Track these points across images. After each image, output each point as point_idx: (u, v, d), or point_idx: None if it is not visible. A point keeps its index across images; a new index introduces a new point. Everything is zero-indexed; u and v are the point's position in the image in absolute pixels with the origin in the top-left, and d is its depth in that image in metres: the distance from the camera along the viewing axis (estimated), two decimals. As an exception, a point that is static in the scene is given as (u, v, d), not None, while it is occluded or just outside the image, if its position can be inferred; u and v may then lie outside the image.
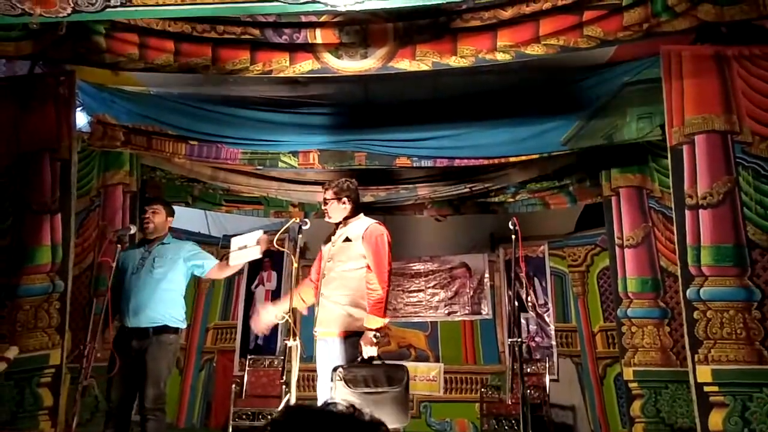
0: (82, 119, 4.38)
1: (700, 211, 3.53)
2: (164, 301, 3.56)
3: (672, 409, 4.37)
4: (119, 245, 3.52)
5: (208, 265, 3.76)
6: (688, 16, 3.44)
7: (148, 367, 3.43)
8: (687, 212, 3.57)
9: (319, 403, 3.12)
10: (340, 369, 3.12)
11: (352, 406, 0.95)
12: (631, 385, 4.49)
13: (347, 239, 3.42)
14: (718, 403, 3.33)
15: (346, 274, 3.37)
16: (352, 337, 3.28)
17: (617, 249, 4.72)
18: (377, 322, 3.24)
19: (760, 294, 3.38)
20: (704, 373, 3.38)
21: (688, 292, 3.50)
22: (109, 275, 3.47)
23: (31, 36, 3.73)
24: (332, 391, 3.09)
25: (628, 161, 4.76)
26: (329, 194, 3.51)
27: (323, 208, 3.57)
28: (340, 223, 3.51)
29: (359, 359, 3.20)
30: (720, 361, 3.37)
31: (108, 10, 3.22)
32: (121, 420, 3.43)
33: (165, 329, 3.51)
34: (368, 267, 3.35)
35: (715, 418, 3.31)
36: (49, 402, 3.63)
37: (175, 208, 5.34)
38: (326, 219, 3.54)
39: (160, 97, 4.65)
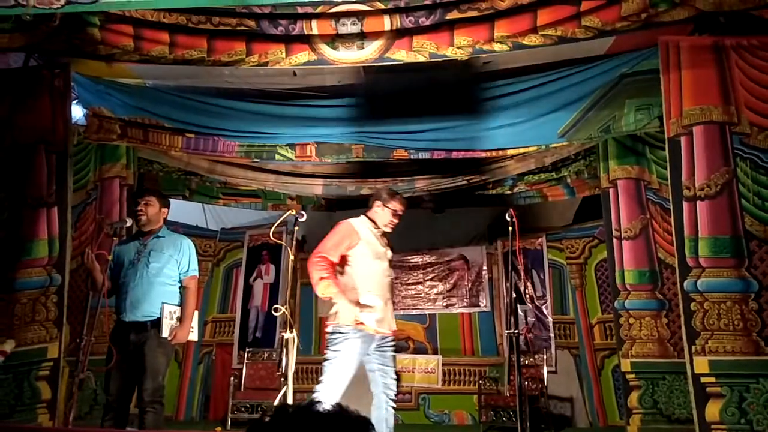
0: (78, 112, 4.36)
1: (698, 202, 3.52)
2: (161, 294, 3.55)
3: (669, 400, 4.37)
4: (115, 238, 3.50)
5: (185, 276, 3.69)
6: (687, 6, 3.42)
7: (146, 360, 3.43)
8: (685, 204, 3.56)
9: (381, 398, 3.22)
10: None
11: (338, 404, 0.94)
12: (628, 376, 4.50)
13: (392, 248, 3.67)
14: (715, 393, 3.34)
15: None
16: None
17: (615, 241, 4.71)
18: None
19: (758, 285, 3.38)
20: (701, 364, 3.38)
21: (685, 283, 3.50)
22: (104, 268, 3.46)
23: (25, 28, 3.70)
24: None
25: (626, 153, 4.75)
26: (402, 208, 3.64)
27: (394, 220, 3.63)
28: (380, 230, 3.64)
29: None
30: (717, 352, 3.37)
31: (102, 1, 3.20)
32: (119, 413, 3.43)
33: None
34: None
35: (712, 409, 3.32)
36: (47, 395, 3.64)
37: (173, 201, 5.30)
38: (387, 228, 3.62)
39: (156, 90, 4.63)
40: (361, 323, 3.29)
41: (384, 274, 3.53)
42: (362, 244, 3.45)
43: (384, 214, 3.58)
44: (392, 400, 3.41)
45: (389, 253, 3.63)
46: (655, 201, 4.58)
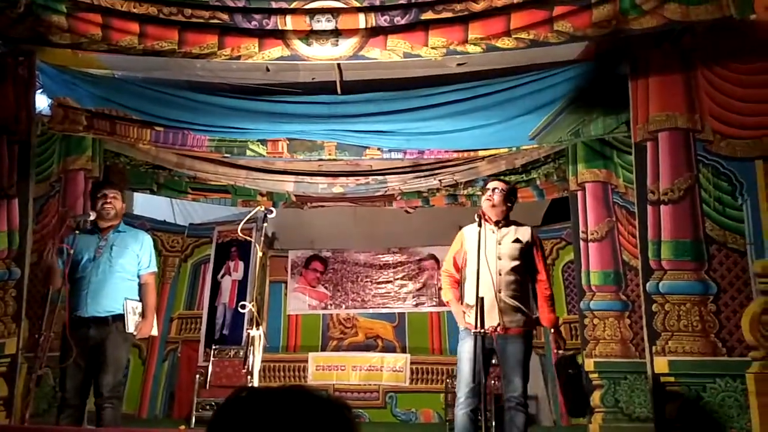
0: (42, 102, 4.24)
1: (662, 206, 3.62)
2: (122, 290, 3.50)
3: (630, 399, 4.48)
4: (77, 232, 3.42)
5: (144, 272, 3.67)
6: (655, 14, 3.49)
7: (108, 355, 3.37)
8: (649, 207, 3.65)
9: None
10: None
11: (313, 388, 0.91)
12: (591, 375, 4.59)
13: (518, 240, 3.55)
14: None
15: (517, 273, 3.51)
16: (530, 333, 3.57)
17: (582, 243, 4.80)
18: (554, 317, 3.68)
19: (716, 288, 3.49)
20: (661, 364, 3.48)
21: (647, 285, 3.59)
22: (67, 262, 3.37)
23: (-13, 13, 3.58)
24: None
25: (595, 156, 4.84)
26: (500, 184, 3.66)
27: (491, 195, 3.59)
28: (497, 221, 3.59)
29: (559, 352, 3.67)
30: (676, 353, 3.47)
31: (69, -13, 3.11)
32: (77, 410, 3.35)
33: (123, 317, 3.44)
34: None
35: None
36: (3, 392, 3.54)
37: (140, 195, 5.19)
38: (488, 209, 3.59)
39: (125, 81, 4.52)
40: (469, 323, 3.39)
41: (500, 270, 3.48)
42: (468, 253, 3.56)
43: (484, 200, 3.67)
44: (514, 400, 3.38)
45: (504, 246, 3.52)
46: (621, 204, 4.68)
